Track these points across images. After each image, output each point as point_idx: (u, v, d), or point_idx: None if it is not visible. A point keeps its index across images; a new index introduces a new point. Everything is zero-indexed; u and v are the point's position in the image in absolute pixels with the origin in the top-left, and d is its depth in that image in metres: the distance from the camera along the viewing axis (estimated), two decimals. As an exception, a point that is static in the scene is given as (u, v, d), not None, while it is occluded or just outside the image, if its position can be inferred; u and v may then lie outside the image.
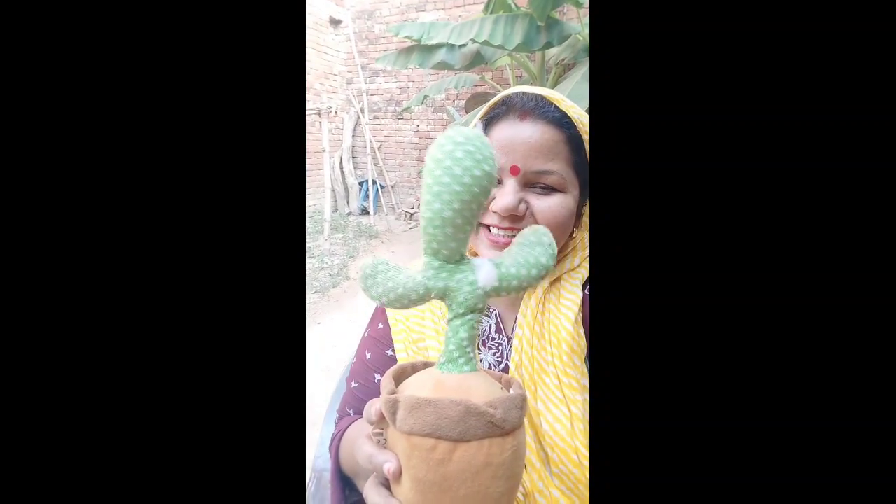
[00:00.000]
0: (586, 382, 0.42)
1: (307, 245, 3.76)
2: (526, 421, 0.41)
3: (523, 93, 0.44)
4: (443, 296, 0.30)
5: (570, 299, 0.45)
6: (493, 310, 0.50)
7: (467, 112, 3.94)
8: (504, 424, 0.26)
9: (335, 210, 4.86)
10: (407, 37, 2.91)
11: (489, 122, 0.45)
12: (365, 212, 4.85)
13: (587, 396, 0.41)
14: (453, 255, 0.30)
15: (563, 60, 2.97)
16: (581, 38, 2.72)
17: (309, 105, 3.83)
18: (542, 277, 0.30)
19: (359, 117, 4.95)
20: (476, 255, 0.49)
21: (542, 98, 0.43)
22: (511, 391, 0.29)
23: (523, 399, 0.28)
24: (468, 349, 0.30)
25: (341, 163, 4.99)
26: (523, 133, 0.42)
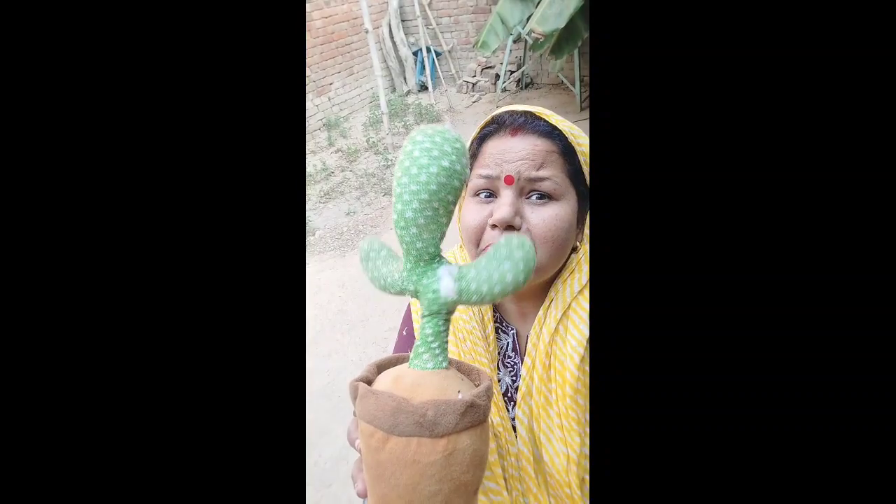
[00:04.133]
0: (587, 417, 0.43)
1: (371, 139, 3.70)
2: (527, 449, 0.45)
3: (512, 111, 0.45)
4: (416, 296, 0.32)
5: (576, 338, 0.44)
6: (512, 328, 0.50)
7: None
8: (434, 427, 0.27)
9: (393, 90, 4.55)
10: None
11: (481, 140, 0.45)
12: (424, 87, 4.47)
13: (587, 430, 0.43)
14: (422, 254, 0.30)
15: None
16: None
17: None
18: (511, 293, 0.29)
19: (401, -32, 4.16)
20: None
21: (532, 114, 0.44)
22: (460, 395, 0.29)
23: (467, 405, 0.28)
24: (434, 345, 0.31)
25: (391, 32, 4.45)
26: (516, 145, 0.43)
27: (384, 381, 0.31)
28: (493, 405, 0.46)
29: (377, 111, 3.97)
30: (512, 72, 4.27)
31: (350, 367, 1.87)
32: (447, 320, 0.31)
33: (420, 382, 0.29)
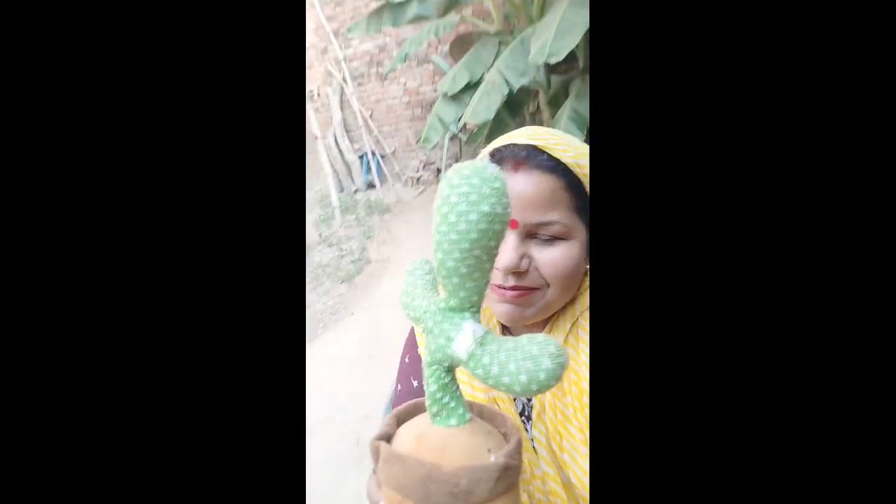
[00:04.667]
0: None
1: (324, 234, 3.76)
2: (552, 470, 0.42)
3: (513, 144, 0.42)
4: (426, 332, 0.30)
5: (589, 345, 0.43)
6: None
7: (454, 58, 3.67)
8: (469, 497, 0.25)
9: (342, 191, 4.79)
10: (373, -5, 2.65)
11: None
12: (371, 185, 4.76)
13: None
14: (463, 303, 0.28)
15: (546, -18, 2.65)
16: (563, -48, 2.40)
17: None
18: (515, 394, 0.26)
19: (342, 88, 4.70)
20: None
21: (534, 148, 0.41)
22: (493, 458, 0.27)
23: (502, 469, 0.26)
24: (444, 400, 0.29)
25: (336, 141, 4.83)
26: (518, 185, 0.40)
27: (407, 441, 0.29)
28: None
29: (328, 209, 4.12)
30: (451, 165, 4.71)
31: (314, 470, 1.64)
32: (449, 372, 0.29)
33: (447, 443, 0.28)
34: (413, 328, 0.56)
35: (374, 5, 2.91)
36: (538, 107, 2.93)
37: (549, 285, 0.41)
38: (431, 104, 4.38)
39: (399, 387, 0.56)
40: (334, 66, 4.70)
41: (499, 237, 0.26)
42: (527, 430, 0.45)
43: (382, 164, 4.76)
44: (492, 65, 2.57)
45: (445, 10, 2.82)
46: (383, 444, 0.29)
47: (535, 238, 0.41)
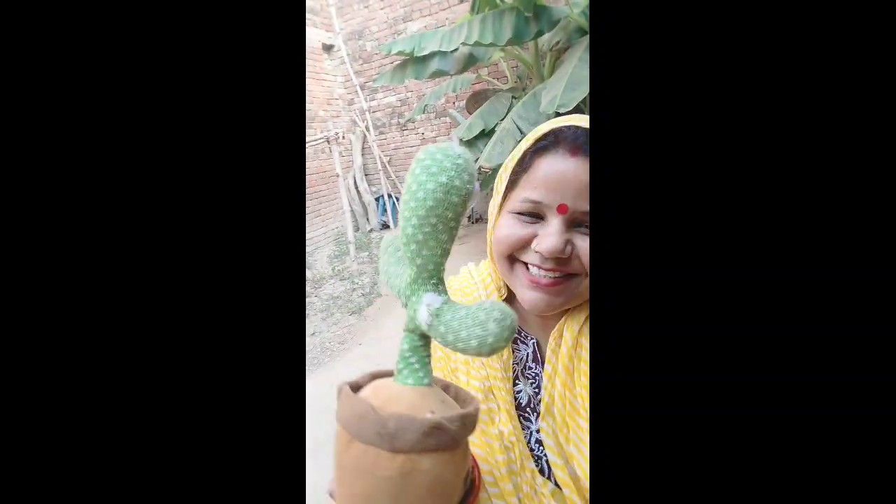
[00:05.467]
0: None
1: (337, 268, 3.86)
2: (560, 461, 0.41)
3: (575, 126, 0.40)
4: (404, 306, 0.32)
5: None
6: (532, 338, 0.48)
7: (469, 112, 3.95)
8: (393, 441, 0.26)
9: (357, 230, 4.96)
10: (399, 52, 2.95)
11: (535, 153, 0.41)
12: (385, 226, 4.94)
13: None
14: (421, 270, 0.30)
15: (556, 45, 2.93)
16: (571, 20, 2.69)
17: (318, 133, 3.95)
18: (471, 356, 0.27)
19: (365, 136, 5.04)
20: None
21: None
22: (429, 413, 0.28)
23: (432, 426, 0.27)
24: (411, 361, 0.31)
25: (355, 182, 5.09)
26: (574, 170, 0.38)
27: (366, 390, 0.32)
28: (506, 415, 0.45)
29: (343, 245, 4.26)
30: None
31: (313, 493, 1.61)
32: (424, 337, 0.31)
33: (395, 397, 0.29)
34: None
35: (397, 63, 3.22)
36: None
37: (587, 275, 0.40)
38: (447, 152, 4.61)
39: None
40: (359, 116, 5.07)
41: (456, 210, 0.27)
42: (531, 422, 0.45)
43: (398, 206, 4.97)
44: (505, 116, 2.79)
45: (463, 68, 3.10)
46: (346, 386, 0.31)
47: (581, 227, 0.39)
